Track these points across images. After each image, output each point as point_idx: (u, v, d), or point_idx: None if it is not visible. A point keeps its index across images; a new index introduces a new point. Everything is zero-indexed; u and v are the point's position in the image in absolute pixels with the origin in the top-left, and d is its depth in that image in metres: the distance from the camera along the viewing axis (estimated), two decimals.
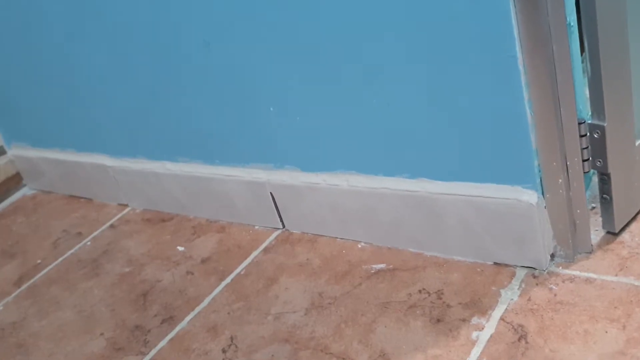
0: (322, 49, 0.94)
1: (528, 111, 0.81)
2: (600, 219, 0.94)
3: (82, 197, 1.57)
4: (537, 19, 0.76)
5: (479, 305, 0.89)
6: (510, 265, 0.94)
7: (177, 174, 1.29)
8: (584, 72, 0.86)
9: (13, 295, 1.25)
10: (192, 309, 1.06)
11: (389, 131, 0.95)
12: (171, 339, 1.00)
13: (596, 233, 0.94)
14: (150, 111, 1.24)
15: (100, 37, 1.21)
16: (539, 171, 0.86)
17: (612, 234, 0.93)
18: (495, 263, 0.95)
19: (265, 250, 1.15)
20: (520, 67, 0.79)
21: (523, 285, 0.90)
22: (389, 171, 0.99)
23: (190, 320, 1.03)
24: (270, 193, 1.16)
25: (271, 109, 1.06)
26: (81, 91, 1.35)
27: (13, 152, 1.66)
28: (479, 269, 0.95)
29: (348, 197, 1.05)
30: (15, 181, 1.69)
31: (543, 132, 0.83)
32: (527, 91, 0.80)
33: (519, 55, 0.78)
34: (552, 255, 0.91)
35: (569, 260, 0.91)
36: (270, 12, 0.96)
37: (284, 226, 1.19)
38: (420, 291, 0.94)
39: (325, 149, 1.04)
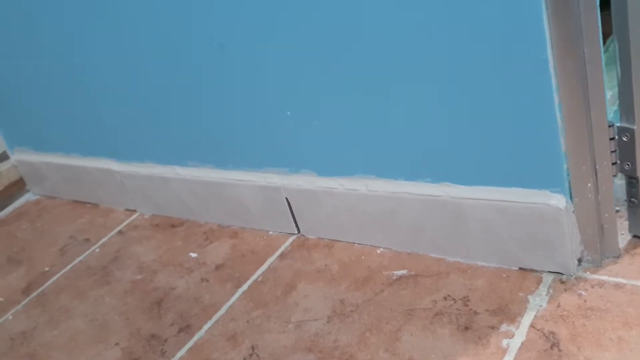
0: (342, 50, 0.92)
1: (558, 115, 0.80)
2: (626, 222, 0.93)
3: (87, 202, 1.54)
4: (569, 22, 0.74)
5: (507, 312, 0.87)
6: (537, 271, 0.92)
7: (188, 179, 1.27)
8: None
9: (22, 304, 1.23)
10: (210, 317, 1.04)
11: (412, 134, 0.93)
12: (190, 349, 0.98)
13: (622, 237, 0.93)
14: (160, 114, 1.22)
15: (108, 38, 1.18)
16: (568, 175, 0.84)
17: (639, 237, 0.92)
18: (520, 268, 0.93)
19: (282, 256, 1.13)
20: (551, 70, 0.77)
21: (551, 291, 0.88)
22: (411, 175, 0.97)
23: (209, 329, 1.01)
24: (286, 198, 1.14)
25: (288, 112, 1.04)
26: (87, 94, 1.32)
27: (16, 157, 1.64)
28: (504, 275, 0.93)
29: (367, 202, 1.03)
30: (18, 186, 1.66)
31: (572, 136, 0.81)
32: (557, 94, 0.79)
33: (550, 58, 0.77)
34: (580, 260, 0.90)
35: (597, 265, 0.89)
36: (287, 12, 0.94)
37: (299, 231, 1.17)
38: (445, 298, 0.93)
39: (344, 153, 1.02)
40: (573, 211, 0.86)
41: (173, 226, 1.34)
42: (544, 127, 0.81)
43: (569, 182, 0.85)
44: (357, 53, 0.91)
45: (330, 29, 0.91)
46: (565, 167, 0.84)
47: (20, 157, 1.62)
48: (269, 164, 1.14)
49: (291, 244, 1.16)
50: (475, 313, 0.88)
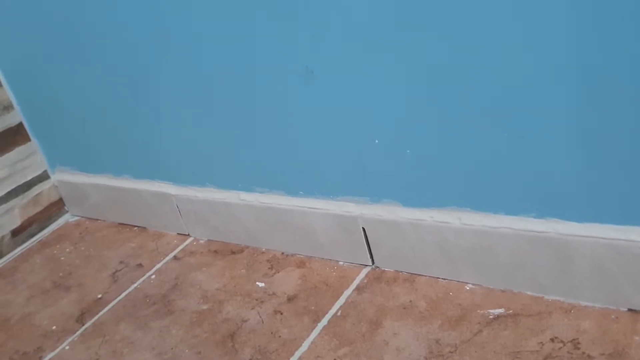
0: (447, 74, 0.88)
1: None
2: None
3: (133, 226, 1.49)
4: None
5: (625, 357, 0.83)
6: None
7: (252, 205, 1.22)
8: None
9: (78, 333, 1.17)
10: (292, 354, 0.98)
11: (517, 167, 0.89)
12: None
13: None
14: (230, 139, 1.18)
15: (185, 61, 1.14)
16: None
17: None
18: (629, 309, 0.89)
19: (359, 289, 1.09)
20: None
21: None
22: (512, 210, 0.93)
23: None
24: (362, 228, 1.09)
25: (376, 141, 1.00)
26: (148, 118, 1.27)
27: (57, 176, 1.58)
28: (612, 316, 0.89)
29: (459, 236, 0.99)
30: (57, 207, 1.60)
31: None
32: None
33: None
34: None
35: None
36: (383, 37, 0.90)
37: (373, 262, 1.13)
38: (552, 340, 0.88)
39: (436, 184, 0.98)
40: None
41: (233, 252, 1.29)
42: None
43: None
44: (463, 77, 0.87)
45: (429, 52, 0.87)
46: None
47: (62, 177, 1.57)
48: (346, 193, 1.09)
49: (366, 276, 1.11)
50: (590, 357, 0.84)
